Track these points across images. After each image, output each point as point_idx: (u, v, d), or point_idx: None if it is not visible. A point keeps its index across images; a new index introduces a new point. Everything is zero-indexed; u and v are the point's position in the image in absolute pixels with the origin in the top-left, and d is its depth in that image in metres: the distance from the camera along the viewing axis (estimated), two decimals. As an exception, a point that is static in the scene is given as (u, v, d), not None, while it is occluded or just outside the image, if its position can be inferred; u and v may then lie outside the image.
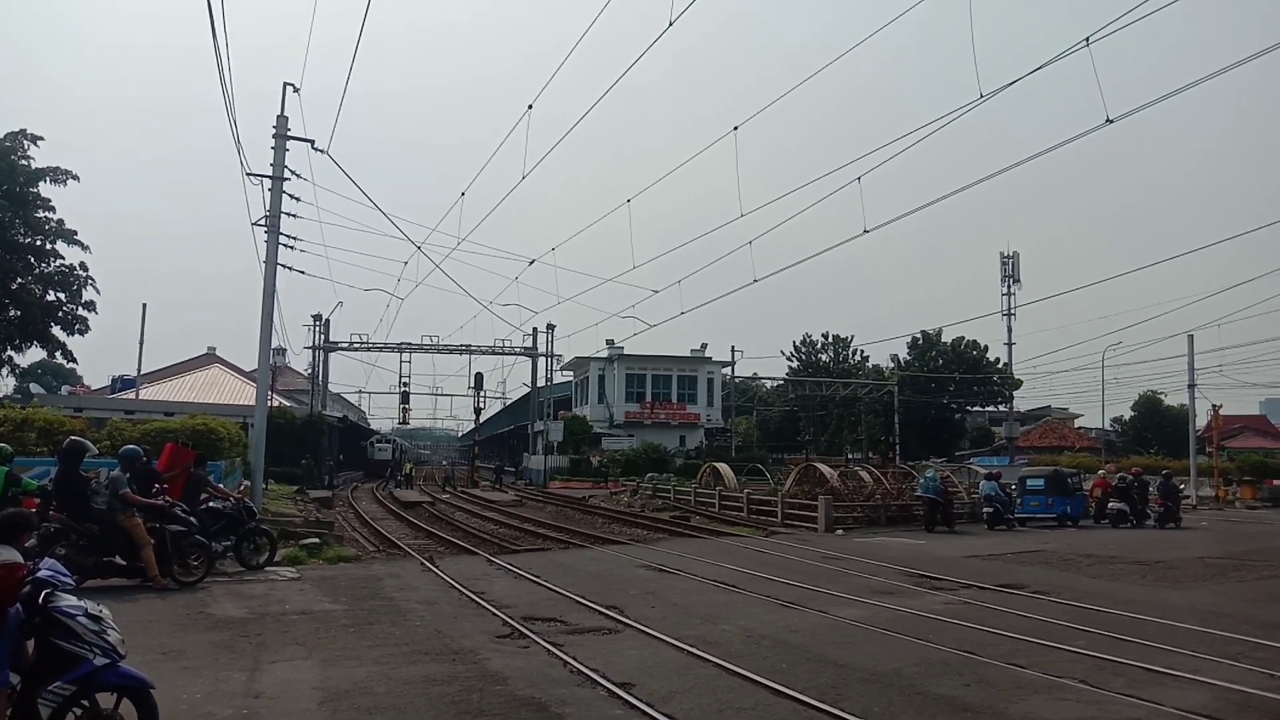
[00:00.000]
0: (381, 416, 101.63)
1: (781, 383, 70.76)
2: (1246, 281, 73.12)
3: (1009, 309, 50.48)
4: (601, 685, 7.03)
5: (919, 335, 62.54)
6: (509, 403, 72.21)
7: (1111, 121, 11.94)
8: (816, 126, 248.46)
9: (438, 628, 9.41)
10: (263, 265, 19.06)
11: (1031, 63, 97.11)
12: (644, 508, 31.42)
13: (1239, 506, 36.57)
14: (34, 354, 33.56)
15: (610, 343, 56.83)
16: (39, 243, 30.63)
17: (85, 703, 4.78)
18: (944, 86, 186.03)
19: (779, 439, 70.73)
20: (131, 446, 12.18)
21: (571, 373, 67.35)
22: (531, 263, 27.24)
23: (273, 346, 22.90)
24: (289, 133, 19.22)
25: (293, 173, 19.49)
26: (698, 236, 58.31)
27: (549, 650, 8.28)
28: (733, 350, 59.89)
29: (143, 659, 6.34)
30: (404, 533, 23.34)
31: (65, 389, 62.59)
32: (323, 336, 52.64)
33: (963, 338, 61.39)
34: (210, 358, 58.92)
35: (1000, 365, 57.84)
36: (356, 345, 53.95)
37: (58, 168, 30.52)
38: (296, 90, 19.26)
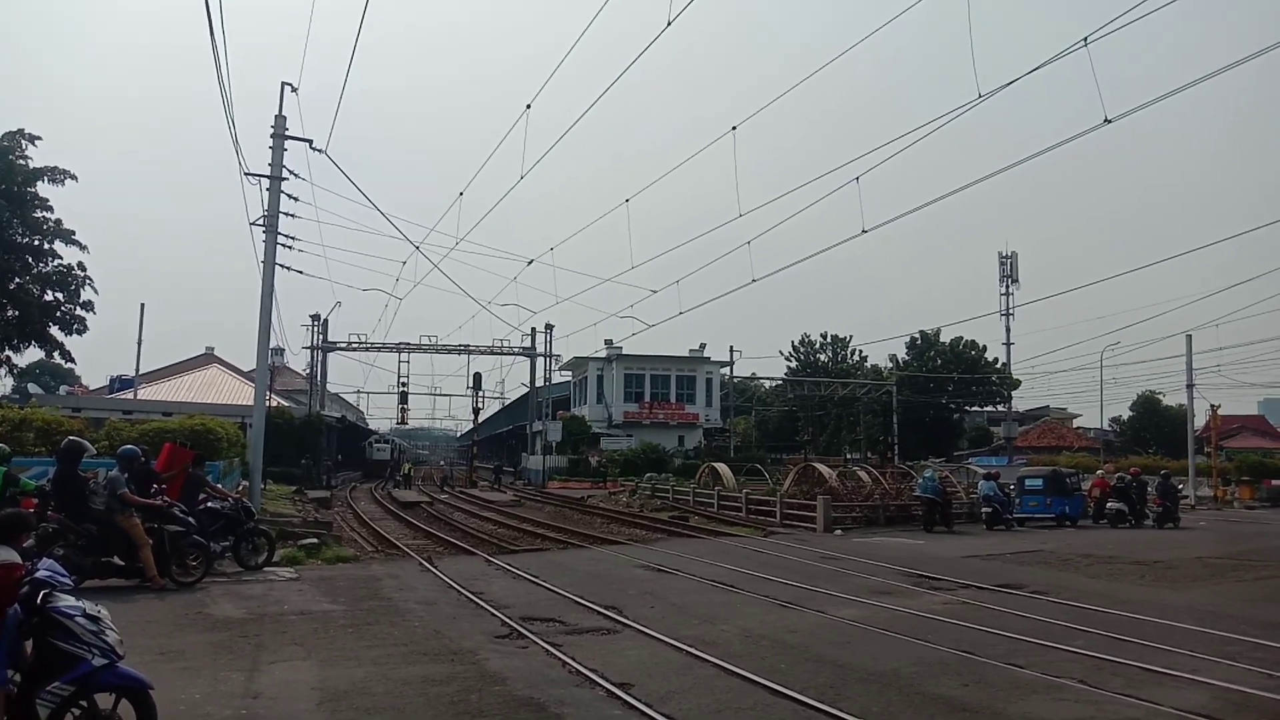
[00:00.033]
0: (380, 416, 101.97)
1: (780, 383, 70.83)
2: (1245, 281, 73.22)
3: (1007, 309, 50.46)
4: (600, 685, 7.03)
5: (917, 335, 62.74)
6: (507, 403, 72.17)
7: (1110, 121, 11.99)
8: (815, 126, 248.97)
9: (436, 628, 9.41)
10: (261, 265, 19.08)
11: (1030, 63, 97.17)
12: (642, 508, 31.40)
13: (1237, 506, 36.61)
14: (32, 354, 33.62)
15: (609, 343, 56.81)
16: (37, 242, 30.59)
17: (84, 703, 4.77)
18: (943, 86, 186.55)
19: (777, 439, 70.70)
20: (130, 447, 12.18)
21: (570, 373, 67.32)
22: (530, 263, 27.30)
23: (271, 346, 22.93)
24: (287, 133, 19.25)
25: (291, 173, 19.52)
26: (696, 236, 58.74)
27: (548, 650, 8.28)
28: (731, 350, 60.03)
29: (141, 659, 6.33)
30: (402, 533, 23.34)
31: (63, 389, 62.38)
32: (321, 336, 52.56)
33: (961, 338, 61.55)
34: (209, 358, 58.81)
35: (999, 365, 57.85)
36: (355, 345, 53.93)
37: (56, 167, 30.53)
38: (295, 90, 19.30)
